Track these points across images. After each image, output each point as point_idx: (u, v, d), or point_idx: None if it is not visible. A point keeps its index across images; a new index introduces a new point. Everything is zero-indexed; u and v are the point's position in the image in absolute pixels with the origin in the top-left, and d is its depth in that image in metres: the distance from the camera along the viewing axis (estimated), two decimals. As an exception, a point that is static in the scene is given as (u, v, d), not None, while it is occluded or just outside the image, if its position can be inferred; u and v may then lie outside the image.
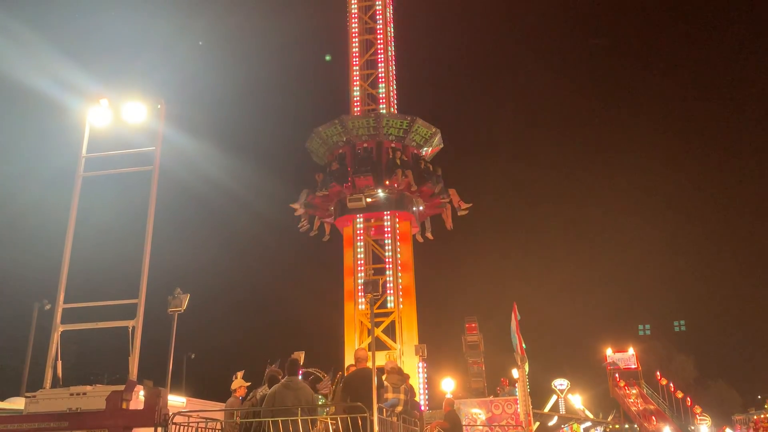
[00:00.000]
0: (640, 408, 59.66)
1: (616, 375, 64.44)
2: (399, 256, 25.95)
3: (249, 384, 12.33)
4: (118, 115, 11.09)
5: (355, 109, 27.94)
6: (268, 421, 9.12)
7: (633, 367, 65.51)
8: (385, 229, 26.28)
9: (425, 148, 27.87)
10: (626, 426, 59.98)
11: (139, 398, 9.09)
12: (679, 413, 61.09)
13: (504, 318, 21.45)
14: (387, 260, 25.91)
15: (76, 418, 8.58)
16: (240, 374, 12.63)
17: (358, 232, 26.27)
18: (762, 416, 57.61)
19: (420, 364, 24.56)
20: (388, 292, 25.24)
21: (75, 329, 10.18)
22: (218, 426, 11.13)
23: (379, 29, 28.86)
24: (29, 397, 9.18)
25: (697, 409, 60.14)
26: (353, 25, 28.95)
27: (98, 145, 11.29)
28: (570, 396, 63.78)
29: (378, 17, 29.00)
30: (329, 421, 9.54)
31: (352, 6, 29.24)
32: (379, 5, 29.08)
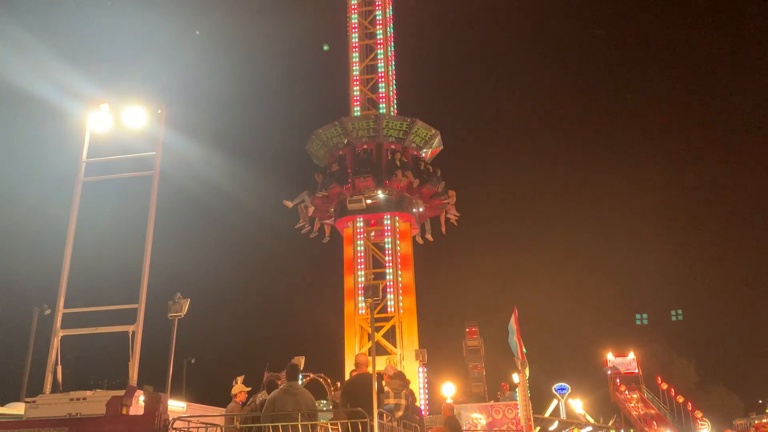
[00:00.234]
0: (641, 412, 59.54)
1: (617, 379, 64.33)
2: (399, 258, 25.95)
3: (249, 389, 12.31)
4: (118, 119, 11.10)
5: (355, 111, 27.98)
6: (269, 426, 9.10)
7: (634, 371, 65.40)
8: (385, 231, 26.30)
9: (425, 150, 27.91)
10: (628, 431, 59.84)
11: (139, 403, 9.07)
12: (680, 418, 60.95)
13: (505, 322, 21.39)
14: (387, 262, 25.90)
15: (76, 424, 8.57)
16: (240, 379, 12.60)
17: (359, 233, 26.28)
18: (763, 421, 57.51)
19: (420, 369, 24.52)
20: (388, 295, 25.22)
21: (75, 334, 10.17)
22: (218, 431, 11.10)
23: (379, 33, 28.90)
24: (29, 402, 9.16)
25: (698, 414, 60.01)
26: (353, 31, 29.01)
27: (99, 150, 11.30)
28: (571, 400, 63.63)
29: (378, 22, 29.06)
30: (330, 427, 9.52)
31: (352, 11, 29.30)
32: (379, 10, 29.13)
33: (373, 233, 26.99)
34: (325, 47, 38.95)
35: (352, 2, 29.48)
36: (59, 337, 9.83)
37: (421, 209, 27.63)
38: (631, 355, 66.70)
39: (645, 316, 74.53)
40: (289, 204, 27.52)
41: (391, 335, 25.13)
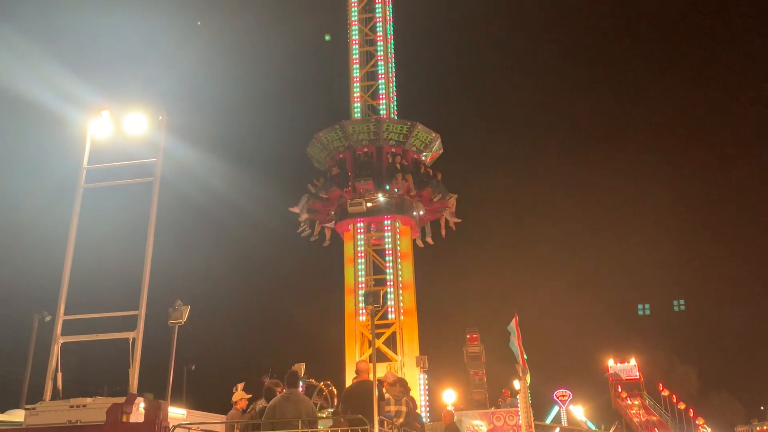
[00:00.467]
0: (643, 419, 59.38)
1: (618, 386, 64.17)
2: (399, 261, 25.94)
3: (250, 396, 12.28)
4: (119, 126, 11.12)
5: (356, 115, 28.05)
6: (269, 433, 9.08)
7: (635, 377, 65.24)
8: (386, 234, 26.30)
9: (425, 153, 27.96)
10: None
11: (139, 411, 9.05)
12: (682, 424, 60.76)
13: (506, 328, 21.35)
14: (387, 264, 25.89)
15: (77, 431, 8.54)
16: (240, 386, 12.57)
17: (359, 236, 26.30)
18: (765, 427, 57.36)
19: (421, 376, 24.47)
20: (389, 299, 25.20)
21: (75, 341, 10.15)
22: (219, 438, 11.07)
23: (379, 42, 28.98)
24: (29, 409, 9.14)
25: (700, 421, 59.85)
26: (354, 38, 29.09)
27: (99, 157, 11.31)
28: (572, 407, 63.43)
29: (378, 29, 29.14)
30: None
31: (353, 18, 29.39)
32: (379, 17, 29.23)
33: (373, 237, 26.99)
34: (327, 37, 39.00)
35: (353, 10, 29.56)
36: (59, 344, 9.82)
37: (421, 212, 27.65)
38: (633, 362, 66.55)
39: (647, 306, 74.40)
40: (297, 209, 27.56)
41: (391, 342, 25.09)
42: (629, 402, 62.64)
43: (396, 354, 24.73)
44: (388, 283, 25.54)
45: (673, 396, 63.16)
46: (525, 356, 20.86)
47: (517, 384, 25.96)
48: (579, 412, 63.20)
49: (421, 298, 27.46)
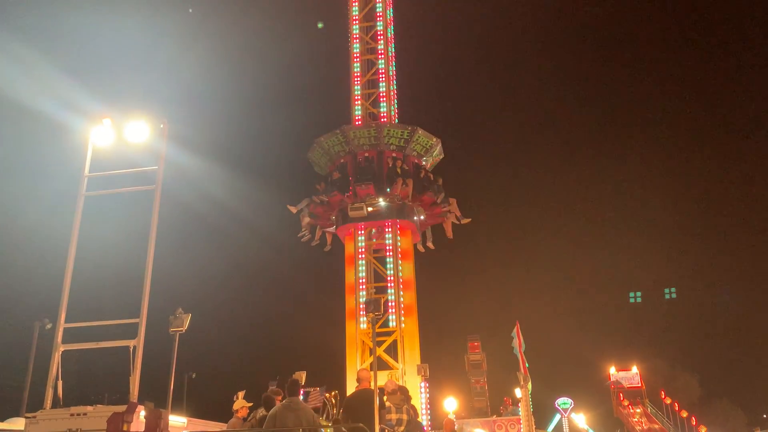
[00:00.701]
0: (645, 427, 59.14)
1: (620, 394, 63.96)
2: (400, 267, 25.92)
3: (251, 405, 12.25)
4: (120, 134, 11.15)
5: (357, 122, 28.14)
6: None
7: (637, 385, 65.02)
8: (386, 238, 26.31)
9: (426, 158, 28.01)
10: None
11: (140, 419, 9.03)
12: (684, 433, 60.51)
13: (507, 336, 21.31)
14: (388, 269, 25.89)
15: (77, 440, 8.53)
16: (241, 394, 12.55)
17: (360, 240, 26.32)
18: (767, 435, 57.05)
19: (422, 384, 24.39)
20: (390, 304, 25.17)
21: (76, 349, 10.14)
22: (219, 447, 11.04)
23: (381, 53, 29.07)
24: (29, 417, 9.12)
25: (703, 429, 59.57)
26: (354, 48, 29.18)
27: (101, 165, 11.35)
28: (574, 415, 63.29)
29: (379, 36, 29.24)
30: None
31: (354, 27, 29.49)
32: (380, 25, 29.34)
33: (374, 239, 26.98)
34: (320, 24, 39.13)
35: (354, 19, 29.66)
36: (60, 352, 9.81)
37: (422, 217, 27.66)
38: (634, 369, 66.34)
39: (639, 294, 74.40)
40: (294, 209, 27.57)
41: (392, 350, 25.02)
42: (631, 410, 62.41)
43: (397, 362, 24.66)
44: (390, 290, 25.50)
45: (676, 404, 62.94)
46: (526, 364, 20.81)
47: (518, 392, 25.91)
48: (581, 420, 63.01)
49: (422, 305, 27.43)
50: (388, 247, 26.21)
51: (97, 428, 8.60)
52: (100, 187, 11.38)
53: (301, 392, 12.71)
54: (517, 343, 20.54)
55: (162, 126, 11.16)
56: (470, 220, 28.15)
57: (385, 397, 12.14)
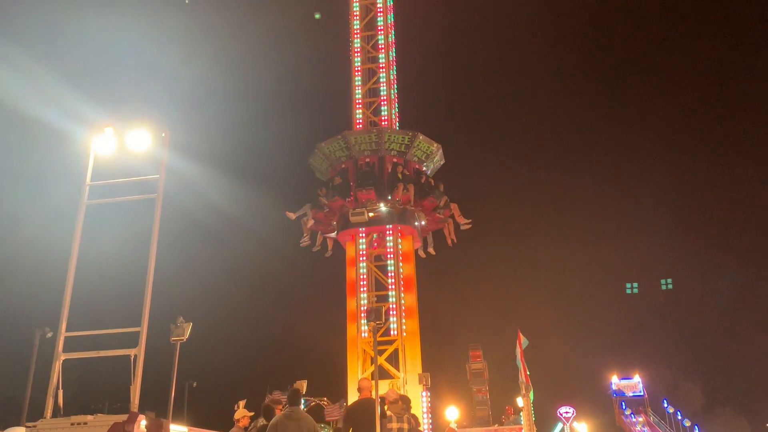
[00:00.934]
0: (647, 437, 58.91)
1: (622, 402, 63.74)
2: (402, 272, 25.89)
3: (252, 414, 12.22)
4: (122, 143, 11.19)
5: (358, 128, 28.26)
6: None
7: (639, 394, 64.77)
8: (387, 243, 26.31)
9: (427, 164, 28.06)
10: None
11: (141, 429, 9.00)
12: (687, 442, 60.24)
13: (509, 345, 21.29)
14: (390, 274, 25.88)
15: (77, 449, 8.50)
16: (242, 403, 12.53)
17: (360, 245, 26.34)
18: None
19: (423, 393, 24.32)
20: (391, 310, 25.14)
21: (76, 357, 10.13)
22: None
23: (382, 66, 29.18)
24: (30, 426, 9.11)
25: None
26: (356, 56, 29.28)
27: (102, 173, 11.37)
28: (576, 424, 62.93)
29: (380, 44, 29.35)
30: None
31: (355, 36, 29.61)
32: (381, 38, 29.48)
33: (375, 252, 26.97)
34: (317, 15, 39.21)
35: (355, 28, 29.79)
36: (61, 361, 9.79)
37: (423, 222, 27.64)
38: (637, 378, 66.07)
39: (635, 285, 74.45)
40: (292, 216, 27.55)
41: (394, 359, 24.96)
42: (633, 419, 62.18)
43: (398, 371, 24.60)
44: (391, 297, 25.46)
45: (678, 413, 62.72)
46: (528, 372, 20.78)
47: (520, 401, 25.83)
48: (583, 429, 62.69)
49: (423, 313, 27.36)
50: (389, 253, 26.21)
51: (97, 437, 8.57)
52: (101, 195, 11.41)
53: (302, 401, 12.68)
54: (519, 352, 20.52)
55: (163, 135, 11.19)
56: (470, 222, 28.15)
57: (386, 407, 12.12)
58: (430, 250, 28.39)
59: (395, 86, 29.44)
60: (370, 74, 29.47)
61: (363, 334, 24.67)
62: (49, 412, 9.37)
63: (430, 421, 25.21)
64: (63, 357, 9.84)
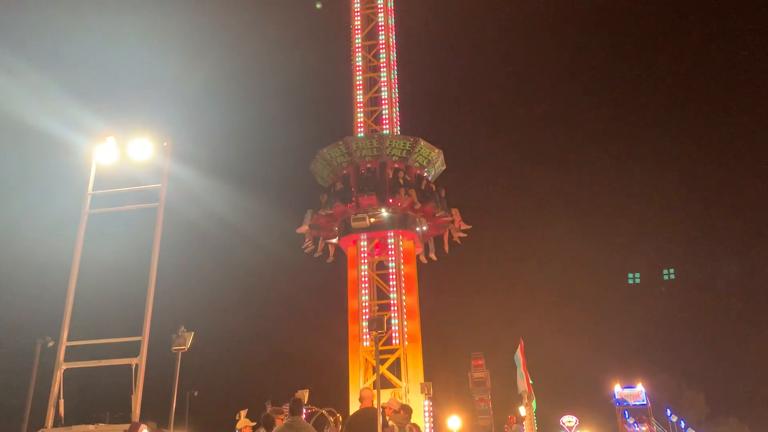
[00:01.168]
0: (650, 446, 58.60)
1: (625, 411, 63.43)
2: (403, 279, 25.86)
3: (254, 424, 12.18)
4: (124, 152, 11.20)
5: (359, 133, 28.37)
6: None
7: (642, 403, 64.46)
8: (389, 249, 26.33)
9: (428, 169, 28.11)
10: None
11: (141, 438, 8.96)
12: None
13: (512, 353, 21.25)
14: (391, 279, 25.85)
15: (78, 459, 8.47)
16: (243, 413, 12.50)
17: (362, 249, 26.34)
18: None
19: (426, 402, 24.24)
20: (393, 320, 25.09)
21: (78, 367, 10.10)
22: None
23: (383, 66, 29.27)
24: (30, 437, 9.08)
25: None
26: (357, 65, 29.39)
27: (104, 183, 11.38)
28: (578, 433, 62.65)
29: (381, 53, 29.47)
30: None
31: (357, 45, 29.73)
32: (382, 54, 29.63)
33: (376, 260, 26.96)
34: (318, 5, 39.35)
35: (356, 38, 29.91)
36: (62, 370, 9.77)
37: (424, 228, 27.66)
38: (640, 387, 65.78)
39: (638, 275, 74.48)
40: (303, 231, 27.62)
41: (396, 368, 24.89)
42: (636, 428, 61.86)
43: (400, 380, 24.52)
44: (392, 305, 25.41)
45: (682, 422, 62.43)
46: (530, 381, 20.72)
47: (523, 410, 25.73)
48: (586, 438, 62.37)
49: (425, 321, 27.28)
50: (390, 258, 26.21)
51: (98, 447, 8.54)
52: (103, 204, 11.42)
53: (304, 411, 12.64)
54: (521, 362, 20.48)
55: (165, 144, 11.20)
56: (469, 228, 28.20)
57: (388, 416, 12.07)
58: (432, 255, 28.37)
59: (396, 90, 29.54)
60: (372, 83, 29.57)
61: (365, 343, 24.63)
62: (50, 422, 9.34)
63: (432, 430, 25.11)
64: (64, 366, 9.82)
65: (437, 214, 27.15)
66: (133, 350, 9.58)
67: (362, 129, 28.43)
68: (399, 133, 28.62)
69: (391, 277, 25.87)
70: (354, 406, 21.24)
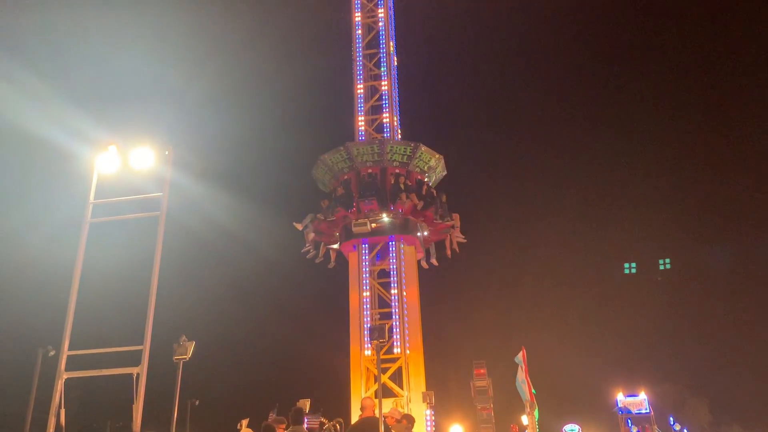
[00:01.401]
0: (654, 455, 58.25)
1: (628, 420, 63.15)
2: (405, 285, 25.82)
3: (255, 433, 12.14)
4: (126, 161, 11.22)
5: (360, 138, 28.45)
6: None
7: (645, 411, 64.20)
8: (390, 254, 26.31)
9: (429, 175, 28.14)
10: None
11: (142, 448, 8.93)
12: (694, 460, 59.55)
13: (513, 361, 21.12)
14: (392, 284, 25.81)
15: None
16: (245, 422, 12.46)
17: (363, 253, 26.34)
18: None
19: (427, 412, 24.15)
20: (394, 317, 25.06)
21: (79, 376, 10.08)
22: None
23: (384, 82, 29.36)
24: (31, 446, 9.05)
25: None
26: (358, 75, 29.49)
27: (106, 192, 11.40)
28: (581, 442, 62.36)
29: (383, 62, 29.57)
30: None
31: (357, 54, 29.84)
32: (383, 52, 29.72)
33: (378, 255, 26.96)
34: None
35: (357, 46, 30.02)
36: (63, 380, 9.75)
37: (425, 233, 27.64)
38: (643, 395, 65.51)
39: (633, 265, 74.67)
40: (299, 226, 27.61)
41: (397, 377, 24.81)
42: (639, 437, 61.54)
43: (402, 389, 24.43)
44: (394, 312, 25.36)
45: (685, 430, 62.11)
46: (533, 390, 20.62)
47: (525, 419, 25.61)
48: (588, 447, 62.08)
49: (427, 329, 27.19)
50: (391, 262, 26.19)
51: (99, 457, 8.51)
52: (104, 213, 11.42)
53: (305, 421, 12.59)
54: (523, 369, 20.38)
55: (167, 153, 11.22)
56: (464, 239, 28.23)
57: (389, 426, 12.02)
58: (433, 261, 28.30)
59: (396, 97, 29.62)
60: (373, 91, 29.64)
61: (366, 352, 24.56)
62: (51, 431, 9.31)
63: (434, 439, 25.00)
64: (65, 376, 9.80)
65: (438, 220, 27.16)
66: (134, 359, 9.56)
67: (363, 137, 28.49)
68: (400, 138, 28.70)
69: (392, 285, 25.83)
70: (355, 416, 21.18)
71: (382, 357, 21.06)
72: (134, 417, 9.12)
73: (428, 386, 25.09)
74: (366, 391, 23.94)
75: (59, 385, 9.65)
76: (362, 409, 11.39)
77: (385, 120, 28.73)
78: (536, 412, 20.83)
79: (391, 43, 30.31)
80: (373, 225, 25.52)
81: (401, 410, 19.71)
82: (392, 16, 30.96)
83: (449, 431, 34.44)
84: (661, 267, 74.41)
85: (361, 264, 26.27)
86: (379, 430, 9.55)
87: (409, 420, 12.64)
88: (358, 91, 29.29)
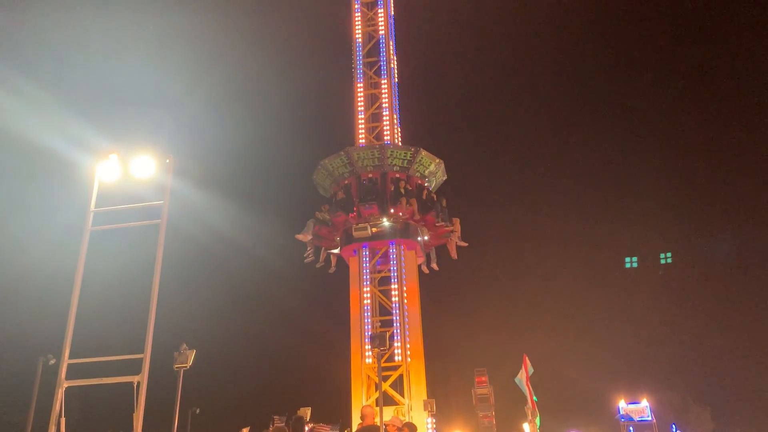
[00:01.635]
0: (656, 463, 58.00)
1: (630, 428, 62.91)
2: (405, 287, 25.80)
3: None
4: (127, 169, 11.23)
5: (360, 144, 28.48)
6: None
7: (647, 419, 63.96)
8: (391, 258, 26.30)
9: (429, 179, 28.16)
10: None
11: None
12: (697, 468, 59.31)
13: (515, 369, 21.10)
14: (393, 289, 25.78)
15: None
16: (245, 431, 12.43)
17: (364, 258, 26.33)
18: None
19: (429, 420, 24.07)
20: (395, 329, 24.99)
21: (79, 385, 10.06)
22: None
23: (384, 86, 29.43)
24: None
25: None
26: (359, 83, 29.55)
27: (107, 200, 11.40)
28: (583, 450, 62.09)
29: (383, 71, 29.65)
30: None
31: (357, 63, 29.93)
32: (383, 60, 29.80)
33: (379, 261, 26.95)
34: None
35: (357, 55, 30.12)
36: (64, 388, 9.73)
37: (426, 237, 27.64)
38: (644, 402, 65.28)
39: (635, 259, 74.49)
40: (303, 237, 27.61)
41: (398, 384, 24.75)
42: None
43: (403, 397, 24.37)
44: (395, 320, 25.31)
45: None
46: (534, 398, 20.58)
47: (527, 427, 25.53)
48: (591, 455, 61.81)
49: (427, 335, 27.14)
50: (392, 266, 26.16)
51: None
52: (105, 222, 11.42)
53: (307, 429, 12.56)
54: (525, 377, 20.34)
55: (168, 161, 11.23)
56: (466, 244, 28.24)
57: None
58: (434, 265, 28.29)
59: (396, 105, 29.70)
60: (373, 99, 29.73)
61: (367, 360, 24.51)
62: (51, 440, 9.28)
63: (436, 447, 24.91)
64: (66, 384, 9.78)
65: (438, 224, 27.16)
66: (134, 368, 9.54)
67: (363, 144, 28.54)
68: (400, 143, 28.77)
69: (393, 291, 25.80)
70: (356, 424, 21.13)
71: (383, 365, 21.03)
72: (135, 426, 9.09)
73: (429, 394, 25.03)
74: (367, 399, 23.89)
75: (60, 394, 9.63)
76: (363, 417, 11.37)
77: (385, 127, 28.80)
78: (538, 420, 20.79)
79: (392, 51, 30.42)
80: (374, 229, 25.57)
81: (402, 418, 19.68)
82: (392, 24, 31.11)
83: (451, 439, 34.31)
84: (663, 261, 74.48)
85: (361, 268, 26.27)
86: (381, 438, 9.53)
87: (411, 428, 12.59)
88: (359, 99, 29.38)
